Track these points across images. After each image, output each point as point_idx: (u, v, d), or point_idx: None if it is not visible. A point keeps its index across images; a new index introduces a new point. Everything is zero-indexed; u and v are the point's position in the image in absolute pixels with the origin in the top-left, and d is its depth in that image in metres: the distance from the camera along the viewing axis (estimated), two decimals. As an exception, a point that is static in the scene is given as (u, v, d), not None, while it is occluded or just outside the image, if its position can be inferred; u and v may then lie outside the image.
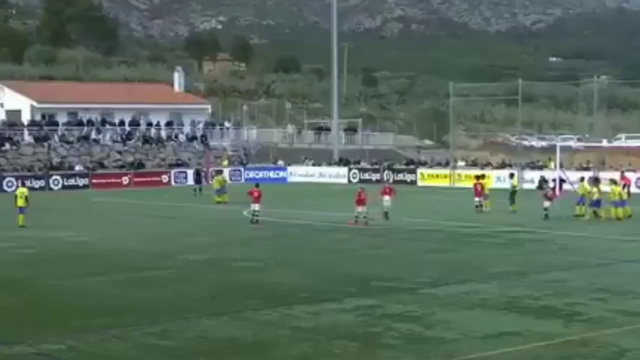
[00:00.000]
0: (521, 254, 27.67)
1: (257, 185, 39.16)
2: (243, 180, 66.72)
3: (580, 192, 40.21)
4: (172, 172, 69.21)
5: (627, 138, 78.69)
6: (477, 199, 42.43)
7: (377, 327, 16.97)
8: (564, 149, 59.54)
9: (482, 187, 43.14)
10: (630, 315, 17.94)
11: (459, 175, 64.10)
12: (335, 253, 28.36)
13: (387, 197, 39.22)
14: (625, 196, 39.95)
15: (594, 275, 23.28)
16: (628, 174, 52.62)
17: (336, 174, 71.04)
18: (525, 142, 75.95)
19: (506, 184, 47.85)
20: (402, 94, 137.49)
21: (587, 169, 58.81)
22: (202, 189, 54.97)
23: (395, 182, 64.73)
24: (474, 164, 68.52)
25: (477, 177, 45.20)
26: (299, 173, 73.18)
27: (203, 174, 59.77)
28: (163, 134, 77.80)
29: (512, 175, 47.05)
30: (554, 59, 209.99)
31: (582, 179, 42.87)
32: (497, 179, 58.82)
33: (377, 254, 28.04)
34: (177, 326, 17.20)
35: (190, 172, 67.65)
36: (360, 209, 36.21)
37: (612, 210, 38.55)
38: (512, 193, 43.29)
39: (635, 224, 36.47)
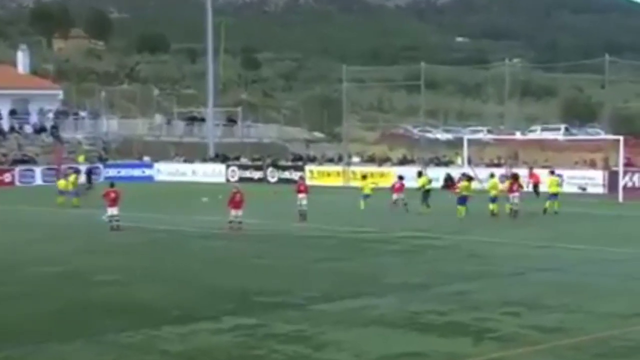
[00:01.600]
0: (423, 263, 28.18)
1: (112, 185, 38.94)
2: (102, 180, 65.92)
3: (486, 189, 41.86)
4: (17, 169, 67.94)
5: (542, 130, 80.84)
6: (395, 196, 43.50)
7: (259, 350, 17.06)
8: (472, 143, 60.79)
9: (403, 186, 44.52)
10: (546, 331, 18.46)
11: (354, 173, 64.74)
12: (212, 263, 28.35)
13: (302, 195, 39.98)
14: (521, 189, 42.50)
15: (506, 286, 23.88)
16: (538, 171, 54.01)
17: (212, 172, 70.86)
18: (429, 135, 77.23)
19: (412, 183, 48.53)
20: (289, 79, 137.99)
21: (498, 164, 60.20)
22: (92, 188, 54.78)
23: (281, 180, 65.13)
24: (370, 160, 69.38)
25: (400, 178, 46.22)
26: (168, 171, 72.74)
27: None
28: (5, 124, 76.24)
29: (420, 174, 48.04)
30: (460, 39, 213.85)
31: (492, 175, 44.41)
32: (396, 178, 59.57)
33: (260, 264, 28.14)
34: (23, 352, 16.96)
35: (38, 170, 66.76)
36: (234, 212, 36.17)
37: (506, 206, 41.18)
38: (425, 192, 44.28)
39: (548, 229, 37.51)
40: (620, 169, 52.89)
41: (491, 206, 41.56)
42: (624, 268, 27.16)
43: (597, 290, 23.44)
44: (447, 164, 63.57)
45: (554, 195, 43.15)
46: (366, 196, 45.19)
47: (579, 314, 20.18)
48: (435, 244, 32.84)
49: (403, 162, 66.58)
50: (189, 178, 70.78)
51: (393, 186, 44.79)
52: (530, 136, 75.92)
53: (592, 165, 60.97)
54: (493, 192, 42.05)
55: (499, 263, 28.06)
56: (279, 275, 25.96)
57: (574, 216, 42.64)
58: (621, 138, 52.74)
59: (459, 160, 60.87)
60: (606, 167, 57.79)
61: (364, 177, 50.38)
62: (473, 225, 38.11)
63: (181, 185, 66.00)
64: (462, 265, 27.48)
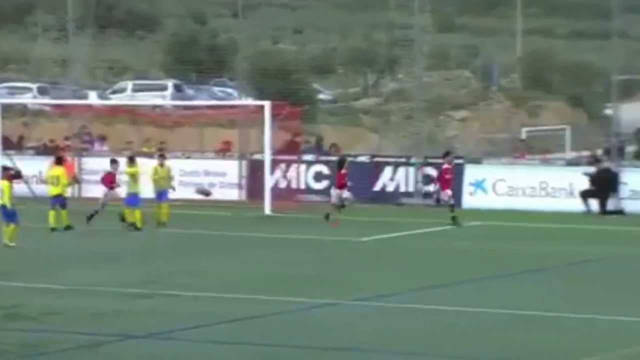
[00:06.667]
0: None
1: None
2: None
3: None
4: None
5: (135, 89, 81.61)
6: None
7: None
8: (10, 111, 62.08)
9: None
10: None
11: None
12: None
13: None
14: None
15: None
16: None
17: None
18: None
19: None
20: None
21: (57, 148, 60.56)
22: None
23: None
24: None
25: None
26: None
27: None
28: None
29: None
30: None
31: (130, 159, 48.49)
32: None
33: None
34: None
35: None
36: None
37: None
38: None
39: (139, 263, 39.85)
40: (267, 156, 54.80)
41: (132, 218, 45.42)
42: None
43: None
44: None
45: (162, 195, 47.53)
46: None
47: None
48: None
49: None
50: None
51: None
52: (117, 100, 77.97)
53: (224, 151, 62.94)
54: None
55: (59, 327, 28.62)
56: None
57: (184, 239, 46.36)
58: (267, 104, 55.01)
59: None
60: (243, 154, 60.45)
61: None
62: (21, 259, 39.77)
63: None
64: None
